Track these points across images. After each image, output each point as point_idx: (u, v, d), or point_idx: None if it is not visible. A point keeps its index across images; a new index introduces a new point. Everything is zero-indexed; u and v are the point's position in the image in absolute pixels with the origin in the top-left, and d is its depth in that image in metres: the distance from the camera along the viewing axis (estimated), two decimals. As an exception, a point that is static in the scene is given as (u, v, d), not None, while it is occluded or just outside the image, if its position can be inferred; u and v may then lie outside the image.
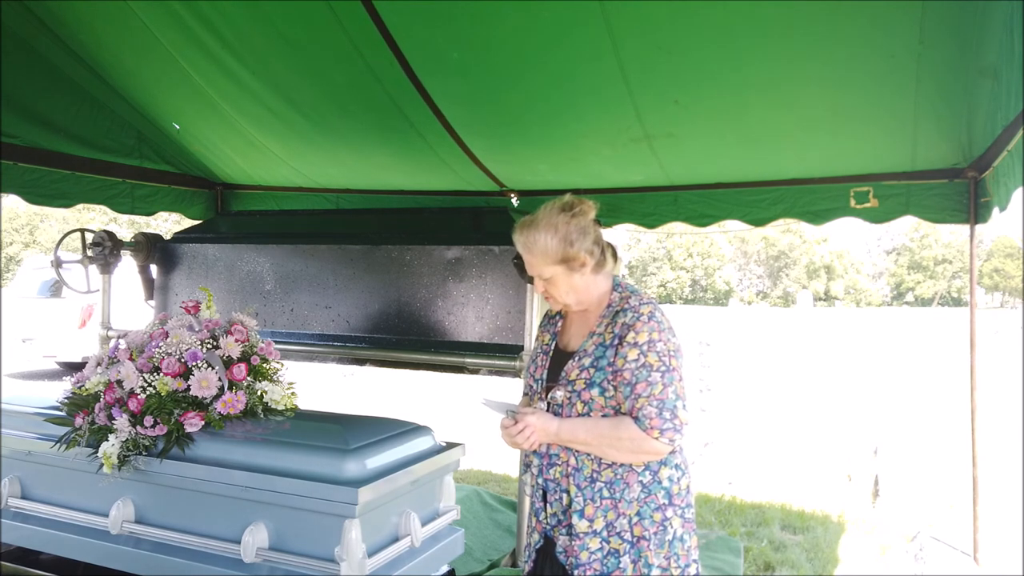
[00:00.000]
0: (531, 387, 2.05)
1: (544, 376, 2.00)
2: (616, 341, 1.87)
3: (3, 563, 2.22)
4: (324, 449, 1.90)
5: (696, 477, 2.00)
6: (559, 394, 1.91)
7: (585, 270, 1.92)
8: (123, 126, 4.43)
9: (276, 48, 3.37)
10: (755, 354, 16.39)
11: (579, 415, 1.88)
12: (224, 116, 4.15)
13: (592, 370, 1.88)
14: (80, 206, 4.72)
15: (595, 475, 1.86)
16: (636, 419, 1.80)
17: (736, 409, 9.14)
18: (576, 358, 1.92)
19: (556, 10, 2.79)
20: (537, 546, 2.00)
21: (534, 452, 1.97)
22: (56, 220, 38.25)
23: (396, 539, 1.97)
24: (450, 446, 2.23)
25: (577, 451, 1.88)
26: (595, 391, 1.87)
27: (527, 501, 3.28)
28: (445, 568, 2.18)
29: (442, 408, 8.67)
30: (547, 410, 1.92)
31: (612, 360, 1.86)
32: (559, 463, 1.91)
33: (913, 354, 17.01)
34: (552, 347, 2.04)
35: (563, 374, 1.93)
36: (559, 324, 2.09)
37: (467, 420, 7.69)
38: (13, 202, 34.93)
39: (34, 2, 3.43)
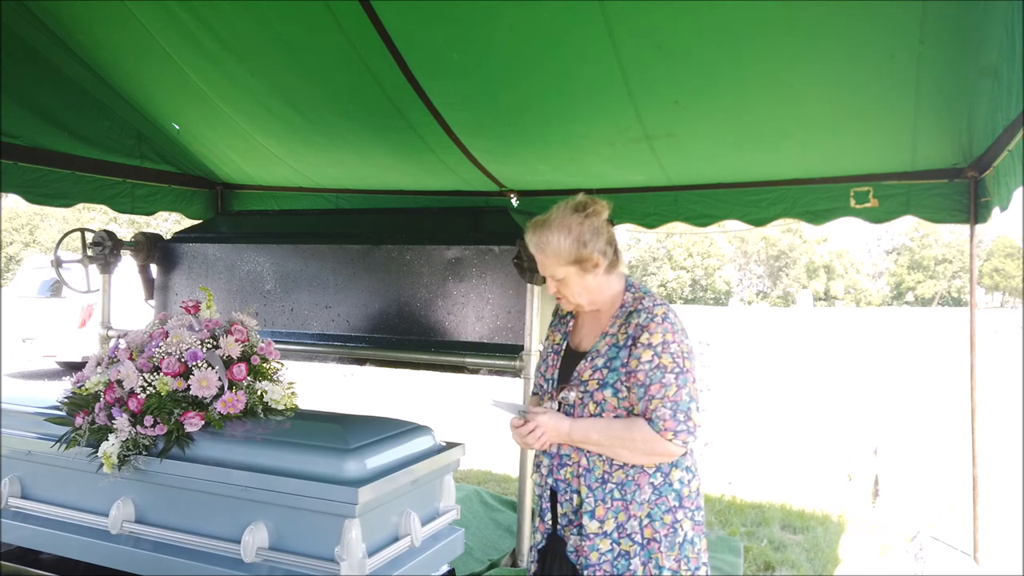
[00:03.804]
0: (542, 387, 2.04)
1: (555, 376, 1.99)
2: (630, 342, 1.86)
3: (3, 563, 2.22)
4: (324, 449, 1.90)
5: (701, 478, 2.01)
6: (571, 395, 1.90)
7: (598, 271, 1.91)
8: (123, 126, 4.43)
9: (275, 49, 3.36)
10: (755, 354, 16.39)
11: (591, 416, 1.87)
12: (223, 116, 4.15)
13: (605, 371, 1.87)
14: (80, 206, 4.72)
15: (606, 476, 1.86)
16: (650, 420, 1.80)
17: (736, 409, 9.14)
18: (589, 358, 1.91)
19: (556, 10, 2.79)
20: (539, 547, 1.99)
21: (544, 452, 1.96)
22: (56, 220, 38.23)
23: (396, 539, 1.97)
24: (450, 446, 2.23)
25: (588, 452, 1.87)
26: (608, 392, 1.86)
27: (528, 502, 3.29)
28: (445, 568, 2.18)
29: (442, 408, 8.67)
30: (558, 410, 1.92)
31: (625, 361, 1.85)
32: (570, 463, 1.90)
33: (913, 354, 17.01)
34: (564, 347, 2.03)
35: (575, 374, 1.92)
36: (570, 324, 2.07)
37: (467, 420, 7.69)
38: (13, 202, 34.93)
39: (34, 2, 3.43)
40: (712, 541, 4.13)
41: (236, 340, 2.20)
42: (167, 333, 2.17)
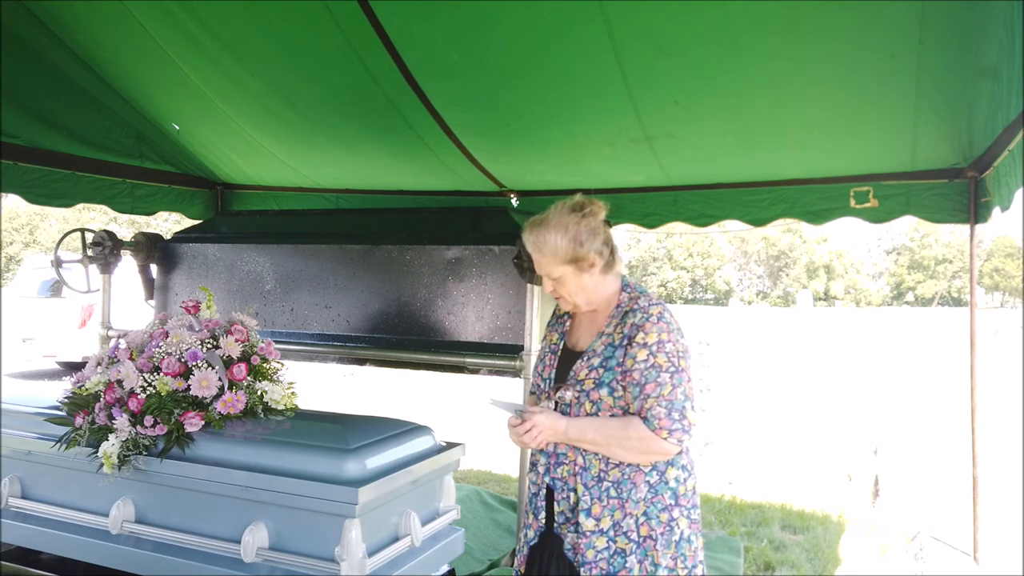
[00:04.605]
0: (539, 386, 2.06)
1: (552, 376, 2.01)
2: (625, 341, 1.88)
3: (3, 563, 2.22)
4: (324, 449, 1.90)
5: (697, 477, 2.01)
6: (568, 394, 1.92)
7: (594, 270, 1.93)
8: (123, 126, 4.43)
9: (274, 49, 3.36)
10: (755, 354, 16.39)
11: (587, 415, 1.89)
12: (223, 117, 4.15)
13: (601, 370, 1.89)
14: (80, 206, 4.72)
15: (602, 474, 1.87)
16: (645, 419, 1.82)
17: (736, 409, 9.14)
18: (585, 358, 1.93)
19: (555, 10, 2.79)
20: (531, 544, 2.01)
21: (541, 451, 1.97)
22: (56, 220, 38.23)
23: (396, 539, 1.97)
24: (450, 446, 2.23)
25: (585, 450, 1.89)
26: (604, 391, 1.88)
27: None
28: (445, 568, 2.18)
29: (442, 408, 8.67)
30: (555, 409, 1.93)
31: (621, 360, 1.87)
32: (566, 462, 1.92)
33: (913, 354, 17.01)
34: (560, 347, 2.05)
35: (572, 374, 1.94)
36: (567, 324, 2.09)
37: (467, 420, 7.69)
38: (13, 202, 34.92)
39: (34, 2, 3.43)
40: (712, 541, 4.13)
41: (236, 340, 2.20)
42: (167, 333, 2.17)
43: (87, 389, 2.15)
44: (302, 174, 4.89)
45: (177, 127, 4.49)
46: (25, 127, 3.88)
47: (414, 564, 2.00)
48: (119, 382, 2.07)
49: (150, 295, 4.31)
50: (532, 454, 2.04)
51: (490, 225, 3.77)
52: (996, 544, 4.27)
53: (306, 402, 2.36)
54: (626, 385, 1.86)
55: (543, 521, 1.98)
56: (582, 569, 1.86)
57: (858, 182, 3.90)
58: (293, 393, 2.26)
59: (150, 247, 4.20)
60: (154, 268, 4.28)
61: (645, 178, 4.28)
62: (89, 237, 4.13)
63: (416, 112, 3.63)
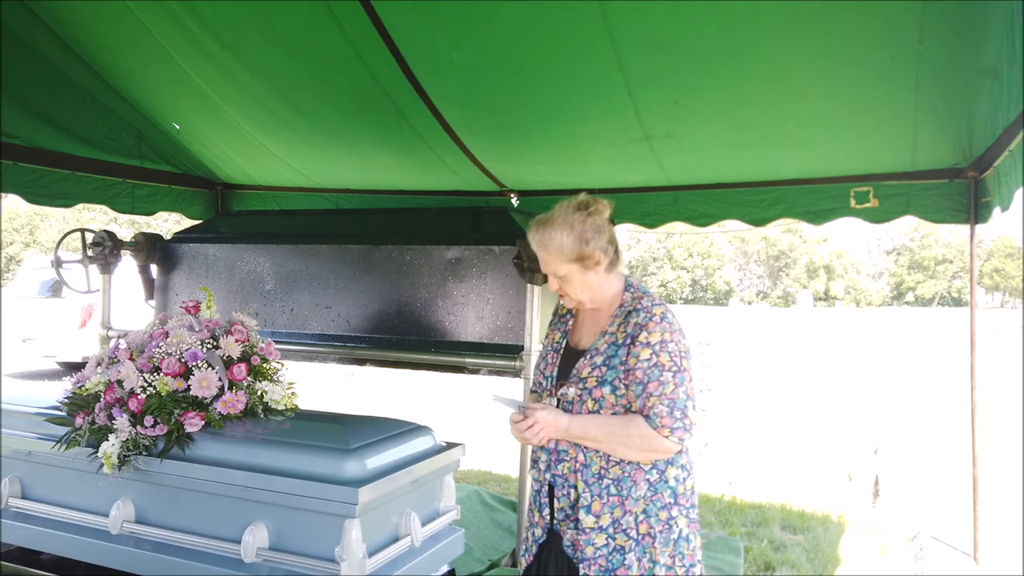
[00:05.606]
0: (540, 384, 2.08)
1: (555, 373, 2.03)
2: (628, 340, 1.89)
3: (3, 563, 2.22)
4: (324, 449, 1.91)
5: (696, 477, 2.02)
6: (570, 391, 1.93)
7: (599, 268, 1.95)
8: (123, 126, 4.43)
9: (275, 49, 3.36)
10: (755, 354, 16.38)
11: (589, 412, 1.90)
12: (223, 116, 4.15)
13: (604, 368, 1.90)
14: (80, 206, 4.72)
15: (603, 472, 1.89)
16: (647, 417, 1.83)
17: (736, 409, 9.14)
18: (588, 356, 1.95)
19: (555, 10, 2.79)
20: (539, 540, 2.01)
21: (542, 448, 1.99)
22: (56, 220, 38.20)
23: (396, 539, 1.97)
24: (450, 446, 2.23)
25: (586, 447, 1.90)
26: (606, 389, 1.89)
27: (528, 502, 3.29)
28: (445, 568, 2.18)
29: (442, 408, 8.67)
30: (557, 406, 1.95)
31: (624, 359, 1.88)
32: (567, 459, 1.93)
33: (913, 354, 17.01)
34: (563, 345, 2.07)
35: (574, 372, 1.95)
36: (570, 322, 2.11)
37: (467, 420, 7.69)
38: (13, 202, 34.91)
39: (34, 2, 3.43)
40: (712, 541, 4.13)
41: (236, 340, 2.20)
42: (167, 333, 2.17)
43: (87, 389, 2.15)
44: (302, 174, 4.89)
45: (177, 127, 4.49)
46: (25, 127, 3.88)
47: (414, 564, 2.00)
48: (119, 382, 2.07)
49: (150, 295, 4.31)
50: (533, 451, 2.05)
51: (490, 225, 3.77)
52: (996, 544, 4.27)
53: (306, 402, 2.36)
54: (628, 384, 1.87)
55: (548, 517, 1.99)
56: (581, 566, 1.87)
57: (858, 182, 3.90)
58: (293, 393, 2.26)
59: (150, 247, 4.20)
60: (154, 268, 4.28)
61: (645, 178, 4.29)
62: (89, 237, 4.13)
63: (417, 112, 3.63)
